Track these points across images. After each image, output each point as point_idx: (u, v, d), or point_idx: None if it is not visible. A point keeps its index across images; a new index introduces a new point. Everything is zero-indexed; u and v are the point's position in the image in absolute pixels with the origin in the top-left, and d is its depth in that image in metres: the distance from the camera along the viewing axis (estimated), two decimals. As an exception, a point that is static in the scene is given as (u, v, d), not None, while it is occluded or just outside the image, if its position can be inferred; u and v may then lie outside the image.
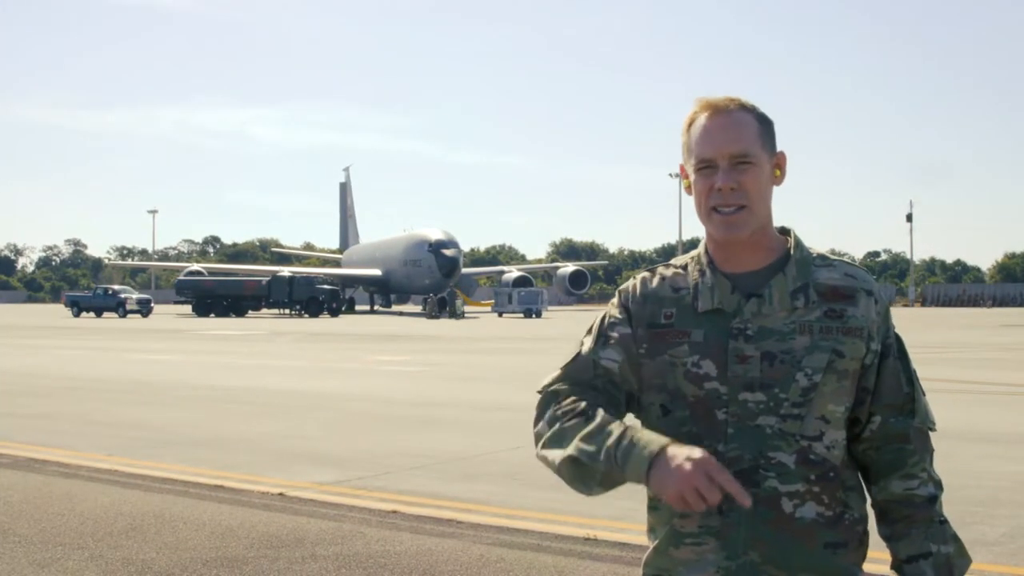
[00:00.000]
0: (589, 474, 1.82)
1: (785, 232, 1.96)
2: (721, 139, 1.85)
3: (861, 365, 1.87)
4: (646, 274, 1.99)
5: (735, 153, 1.84)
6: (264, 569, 5.27)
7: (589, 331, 2.00)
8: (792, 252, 1.91)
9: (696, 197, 1.90)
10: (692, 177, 1.91)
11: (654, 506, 1.92)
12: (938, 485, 1.91)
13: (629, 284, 1.99)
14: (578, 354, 1.97)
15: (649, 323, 1.92)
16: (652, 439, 1.77)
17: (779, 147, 1.94)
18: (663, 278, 1.96)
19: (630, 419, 1.95)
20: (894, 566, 1.91)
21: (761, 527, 1.81)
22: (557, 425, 1.88)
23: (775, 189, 1.93)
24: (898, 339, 1.93)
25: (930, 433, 1.94)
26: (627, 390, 1.93)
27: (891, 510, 1.91)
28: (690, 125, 1.91)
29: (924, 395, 1.93)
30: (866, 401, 1.89)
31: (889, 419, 1.89)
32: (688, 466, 1.70)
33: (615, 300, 1.99)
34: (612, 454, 1.78)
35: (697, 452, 1.72)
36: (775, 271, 1.89)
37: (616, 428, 1.81)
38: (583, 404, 1.88)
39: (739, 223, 1.85)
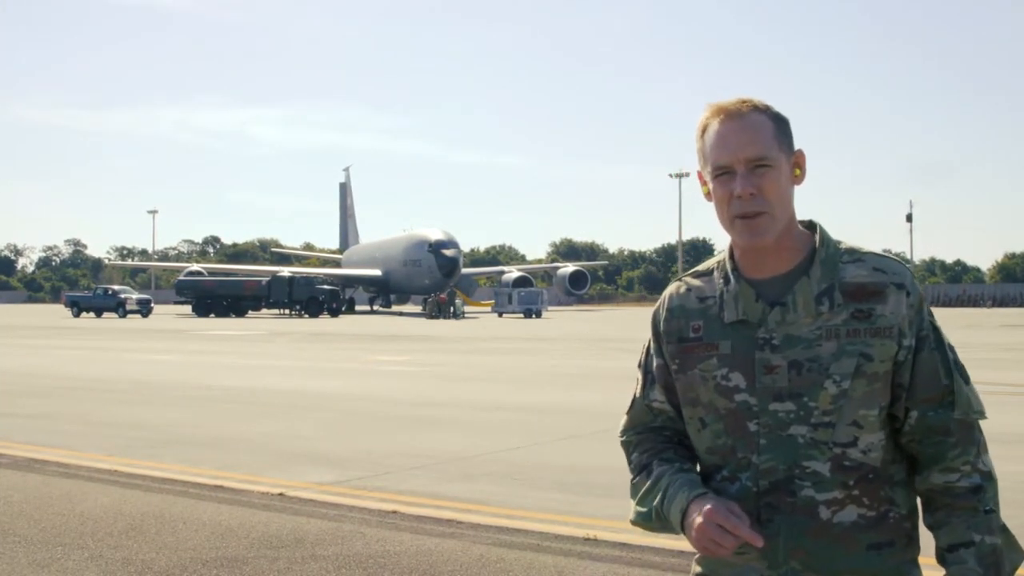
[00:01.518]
0: (656, 530, 1.94)
1: (813, 228, 1.90)
2: (736, 144, 1.81)
3: (894, 363, 1.80)
4: (673, 286, 1.99)
5: (751, 157, 1.80)
6: (264, 569, 5.27)
7: (639, 365, 2.05)
8: (817, 251, 1.85)
9: (717, 205, 1.85)
10: (710, 184, 1.86)
11: None
12: (986, 476, 1.82)
13: (658, 302, 2.02)
14: (634, 398, 2.04)
15: (679, 337, 1.93)
16: (681, 496, 1.85)
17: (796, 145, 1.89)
18: (689, 288, 1.95)
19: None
20: (938, 556, 1.85)
21: (800, 536, 1.80)
22: (630, 482, 2.01)
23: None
24: (935, 329, 1.85)
25: (979, 422, 1.85)
26: None
27: (933, 499, 1.85)
28: (703, 131, 1.86)
29: (968, 383, 1.85)
30: (902, 397, 1.82)
31: (928, 413, 1.81)
32: (699, 521, 1.79)
33: (651, 321, 2.02)
34: (661, 515, 1.90)
35: (708, 504, 1.79)
36: (800, 275, 1.84)
37: (663, 483, 1.90)
38: (645, 456, 1.99)
39: (762, 229, 1.81)
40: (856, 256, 1.85)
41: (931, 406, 1.81)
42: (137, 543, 5.79)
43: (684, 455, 1.97)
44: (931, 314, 1.86)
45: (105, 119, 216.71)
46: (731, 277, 1.89)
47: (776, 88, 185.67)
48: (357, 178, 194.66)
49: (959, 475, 1.81)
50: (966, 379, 1.85)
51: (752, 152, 1.81)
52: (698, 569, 1.94)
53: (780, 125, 1.86)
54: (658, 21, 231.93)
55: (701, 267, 1.98)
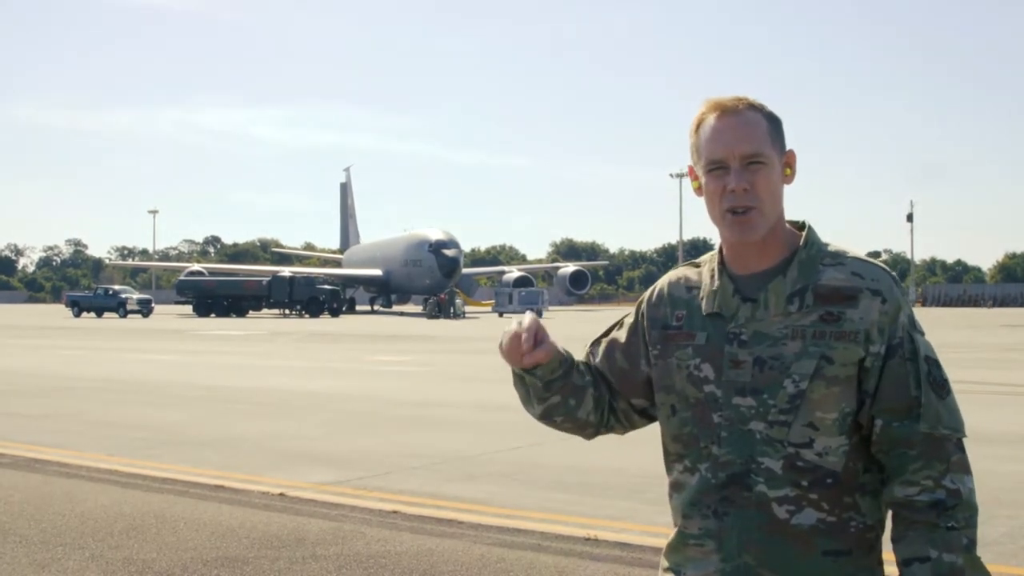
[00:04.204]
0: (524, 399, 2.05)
1: (803, 228, 1.92)
2: (732, 139, 1.83)
3: (859, 369, 1.80)
4: (668, 275, 2.04)
5: (746, 153, 1.83)
6: (264, 569, 5.27)
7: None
8: (798, 252, 1.88)
9: (708, 199, 1.88)
10: (703, 179, 1.89)
11: (672, 507, 1.96)
12: (953, 494, 1.75)
13: (651, 288, 2.06)
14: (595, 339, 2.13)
15: (663, 325, 1.97)
16: None
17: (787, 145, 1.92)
18: (680, 278, 2.00)
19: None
20: (900, 572, 1.83)
21: (753, 531, 1.81)
22: None
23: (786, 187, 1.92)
24: (912, 340, 1.81)
25: (955, 441, 1.79)
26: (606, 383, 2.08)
27: (894, 513, 1.83)
28: (698, 126, 1.89)
29: (944, 399, 1.80)
30: (867, 405, 1.81)
31: (892, 423, 1.79)
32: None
33: (636, 302, 2.08)
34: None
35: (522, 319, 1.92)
36: (777, 273, 1.87)
37: None
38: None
39: (752, 226, 1.83)
40: (839, 260, 1.86)
41: (896, 416, 1.79)
42: (137, 543, 5.80)
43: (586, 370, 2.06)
44: (913, 325, 1.84)
45: (105, 119, 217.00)
46: (716, 270, 1.93)
47: (777, 88, 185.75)
48: (357, 178, 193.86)
49: (919, 489, 1.77)
50: (942, 395, 1.81)
51: (747, 148, 1.83)
52: (665, 563, 1.95)
53: (774, 124, 1.89)
54: (658, 21, 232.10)
55: (701, 258, 2.02)
